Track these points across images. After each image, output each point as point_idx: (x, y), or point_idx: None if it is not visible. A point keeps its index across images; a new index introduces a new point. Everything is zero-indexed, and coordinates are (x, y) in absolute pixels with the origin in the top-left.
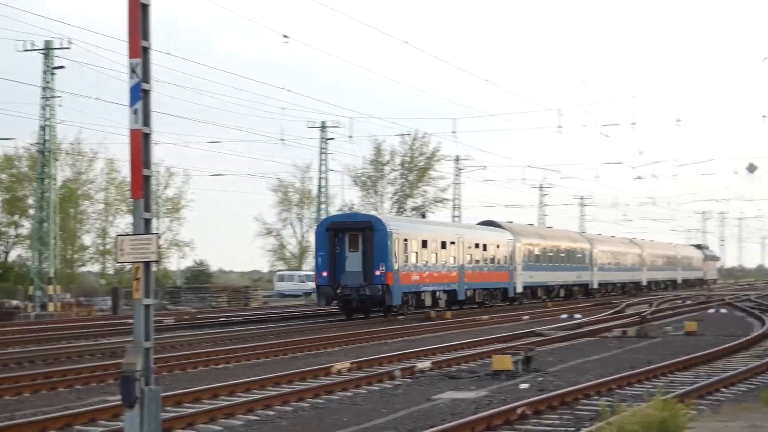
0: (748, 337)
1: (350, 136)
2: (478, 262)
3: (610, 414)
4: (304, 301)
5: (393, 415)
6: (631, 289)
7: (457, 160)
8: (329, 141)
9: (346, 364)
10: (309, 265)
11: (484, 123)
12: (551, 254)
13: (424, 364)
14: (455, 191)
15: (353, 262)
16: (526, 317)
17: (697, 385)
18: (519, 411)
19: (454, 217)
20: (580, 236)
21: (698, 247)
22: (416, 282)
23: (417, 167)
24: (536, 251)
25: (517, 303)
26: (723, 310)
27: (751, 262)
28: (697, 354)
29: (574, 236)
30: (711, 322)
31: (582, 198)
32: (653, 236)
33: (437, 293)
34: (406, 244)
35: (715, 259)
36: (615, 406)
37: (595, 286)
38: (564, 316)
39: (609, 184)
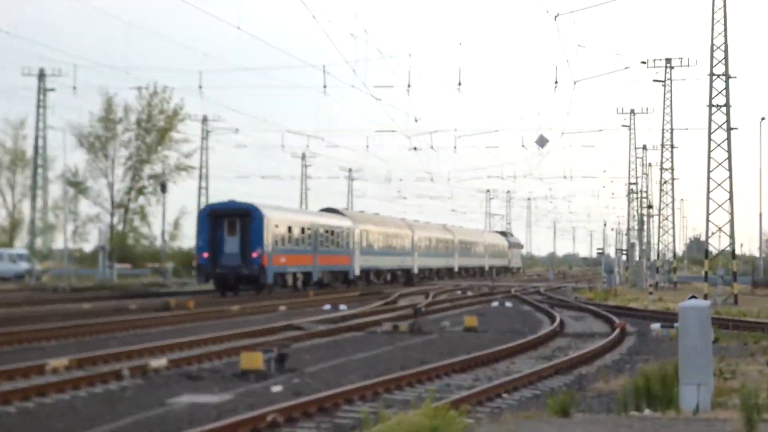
0: (535, 336)
1: (74, 87)
2: (328, 246)
3: (372, 422)
4: (15, 285)
5: (119, 422)
6: (445, 275)
7: (204, 120)
8: (48, 92)
9: (64, 361)
10: (22, 242)
11: (236, 78)
12: (381, 240)
13: (159, 361)
14: (202, 158)
15: (232, 245)
16: (282, 308)
17: (476, 389)
18: (269, 418)
19: (200, 188)
20: (403, 222)
21: (503, 234)
22: (284, 264)
23: (156, 128)
24: (370, 237)
25: (353, 285)
26: (508, 304)
27: (542, 249)
28: (477, 354)
29: (399, 222)
30: (494, 317)
31: (350, 170)
32: (430, 217)
33: (297, 274)
34: (276, 229)
35: (519, 246)
36: (379, 413)
37: (416, 271)
38: (327, 307)
39: (381, 155)
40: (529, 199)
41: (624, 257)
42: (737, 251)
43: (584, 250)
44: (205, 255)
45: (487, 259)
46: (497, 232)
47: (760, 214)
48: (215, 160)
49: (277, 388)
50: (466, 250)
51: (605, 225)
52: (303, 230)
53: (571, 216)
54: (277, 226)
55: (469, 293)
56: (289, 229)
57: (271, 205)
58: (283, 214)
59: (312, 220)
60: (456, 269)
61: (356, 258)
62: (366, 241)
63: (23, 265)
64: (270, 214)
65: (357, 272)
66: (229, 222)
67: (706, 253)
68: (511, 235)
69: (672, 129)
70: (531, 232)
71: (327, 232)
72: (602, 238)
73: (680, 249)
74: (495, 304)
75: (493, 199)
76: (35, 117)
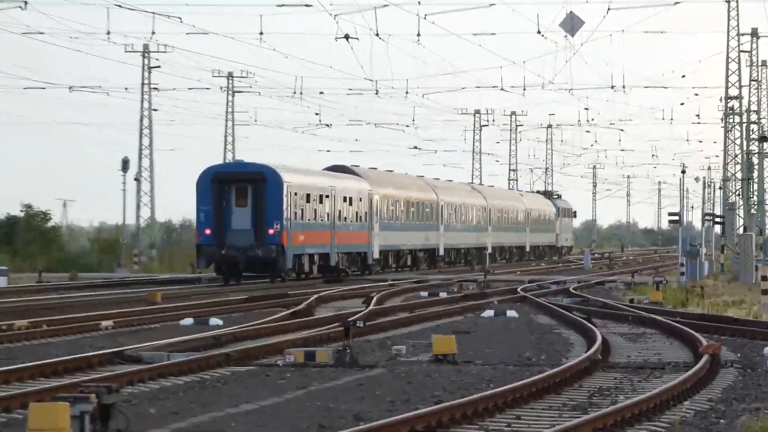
0: (557, 368)
1: None
2: (345, 219)
3: None
4: None
5: None
6: (475, 257)
7: None
8: None
9: None
10: None
11: None
12: (404, 210)
13: None
14: None
15: (241, 218)
16: (107, 324)
17: None
18: None
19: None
20: (424, 182)
21: (546, 195)
22: (302, 243)
23: None
24: (391, 206)
25: (368, 273)
26: (512, 313)
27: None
28: (453, 403)
29: (420, 183)
30: (487, 335)
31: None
32: (371, 160)
33: (314, 257)
34: (296, 198)
35: (571, 213)
36: None
37: (441, 252)
38: (187, 321)
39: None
40: (549, 126)
41: (718, 229)
42: None
43: (647, 217)
44: (207, 232)
45: (529, 234)
46: (539, 192)
47: None
48: None
49: None
50: (501, 222)
51: (683, 173)
52: (321, 198)
53: (622, 156)
54: (296, 193)
55: (443, 295)
56: (307, 197)
57: (287, 165)
58: (302, 177)
59: (331, 184)
60: (489, 249)
61: (375, 235)
62: (386, 212)
63: None
64: (290, 178)
65: (376, 254)
66: (238, 189)
67: None
68: (558, 196)
69: None
70: (552, 184)
71: (345, 200)
72: (679, 195)
73: None
74: (489, 313)
75: (486, 125)
76: None
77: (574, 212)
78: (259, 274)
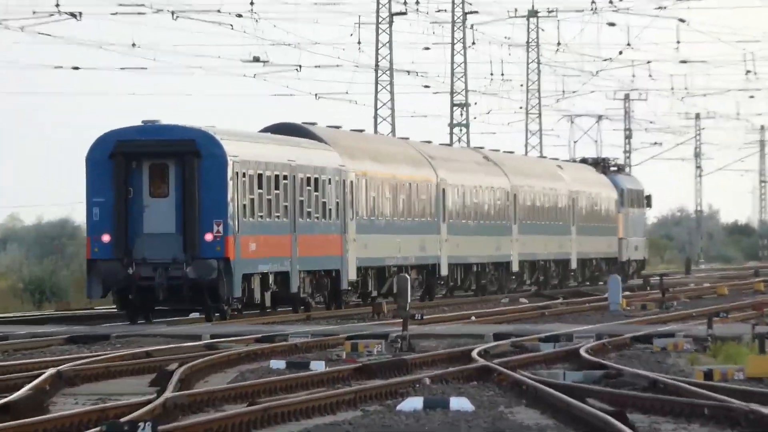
0: None
1: None
2: (310, 216)
3: None
4: None
5: None
6: (498, 278)
7: None
8: None
9: None
10: None
11: None
12: (391, 199)
13: None
14: None
15: (160, 216)
16: None
17: None
18: None
19: None
20: (417, 153)
21: (600, 166)
22: (253, 255)
23: None
24: (374, 191)
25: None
26: (457, 404)
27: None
28: None
29: (411, 152)
30: None
31: None
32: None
33: (269, 278)
34: (244, 181)
35: (642, 200)
36: None
37: (445, 270)
38: None
39: None
40: (558, 45)
41: None
42: None
43: (737, 203)
44: (105, 239)
45: (575, 238)
46: (584, 161)
47: None
48: None
49: None
50: (533, 217)
51: None
52: (277, 182)
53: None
54: (244, 174)
55: (316, 367)
56: (259, 179)
57: (228, 129)
58: (252, 146)
59: (290, 158)
60: (515, 264)
61: (351, 242)
62: (367, 203)
63: None
64: (235, 148)
65: (353, 273)
66: (155, 169)
67: None
68: (618, 168)
69: None
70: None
71: (310, 183)
72: None
73: None
74: (412, 404)
75: (401, 13)
76: None
77: (647, 197)
78: (185, 307)
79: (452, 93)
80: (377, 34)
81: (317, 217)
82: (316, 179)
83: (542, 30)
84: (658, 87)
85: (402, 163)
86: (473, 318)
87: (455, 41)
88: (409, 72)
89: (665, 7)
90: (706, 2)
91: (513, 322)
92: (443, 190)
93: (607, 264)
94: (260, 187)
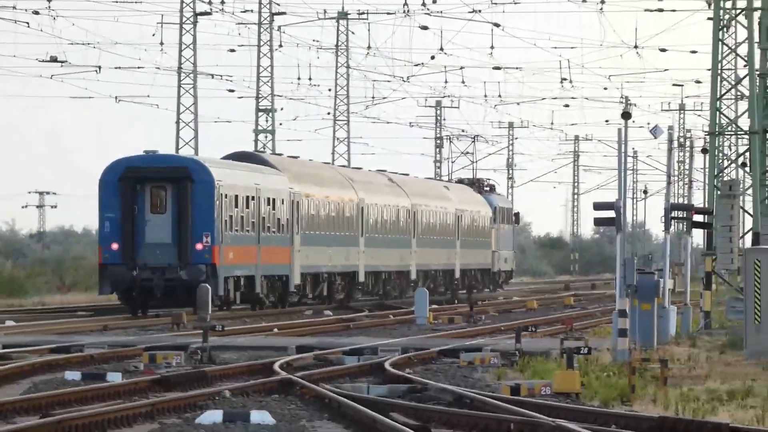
0: None
1: None
2: (269, 230)
3: None
4: None
5: None
6: (400, 284)
7: None
8: None
9: None
10: None
11: None
12: (324, 216)
13: None
14: None
15: (158, 229)
16: None
17: None
18: None
19: None
20: (342, 177)
21: (475, 186)
22: (231, 262)
23: None
24: (313, 211)
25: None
26: (261, 416)
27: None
28: None
29: (338, 176)
30: None
31: None
32: None
33: (241, 280)
34: (226, 201)
35: (511, 217)
36: None
37: (362, 276)
38: None
39: None
40: (369, 49)
41: (699, 238)
42: None
43: (549, 214)
44: (114, 247)
45: (459, 251)
46: (462, 181)
47: None
48: None
49: None
50: (427, 232)
51: (627, 114)
52: (247, 201)
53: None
54: (226, 195)
55: (113, 379)
56: (236, 200)
57: (213, 158)
58: (231, 172)
59: (256, 182)
60: (414, 273)
61: (296, 252)
62: (308, 220)
63: None
64: (220, 174)
65: (297, 278)
66: (155, 190)
67: None
68: (491, 188)
69: None
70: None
71: (269, 203)
72: (618, 163)
73: None
74: (211, 417)
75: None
76: None
77: (516, 214)
78: (174, 302)
79: (258, 98)
80: (180, 35)
81: (273, 231)
82: (273, 200)
83: (352, 33)
84: (471, 94)
85: (333, 185)
86: (275, 330)
87: (262, 43)
88: (213, 75)
89: (479, 11)
90: (521, 6)
91: (317, 334)
92: (362, 209)
93: (482, 274)
94: (236, 206)
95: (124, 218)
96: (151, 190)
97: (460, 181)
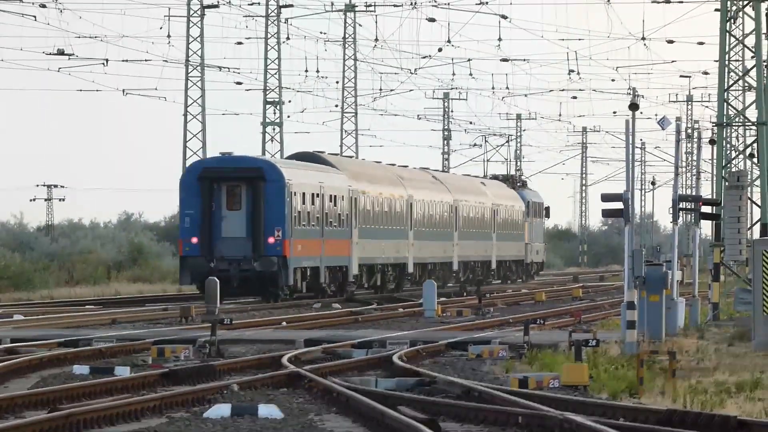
0: None
1: None
2: (331, 224)
3: None
4: None
5: None
6: (443, 275)
7: None
8: None
9: None
10: None
11: None
12: (379, 212)
13: None
14: None
15: (234, 224)
16: None
17: None
18: None
19: None
20: (394, 175)
21: (509, 181)
22: (300, 254)
23: None
24: (369, 206)
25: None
26: (269, 410)
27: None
28: None
29: (390, 175)
30: None
31: None
32: None
33: (307, 271)
34: (296, 199)
35: (542, 211)
36: None
37: (411, 268)
38: None
39: None
40: (376, 42)
41: (707, 229)
42: None
43: (557, 205)
44: (194, 241)
45: (495, 243)
46: (497, 177)
47: None
48: None
49: None
50: (467, 226)
51: (634, 106)
52: (313, 199)
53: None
54: (295, 193)
55: (121, 372)
56: (303, 197)
57: (283, 160)
58: (300, 172)
59: (320, 181)
60: (456, 265)
61: (354, 243)
62: (365, 215)
63: None
64: (290, 174)
65: (355, 269)
66: (230, 189)
67: None
68: (523, 183)
69: None
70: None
71: (332, 200)
72: (626, 155)
73: None
74: (220, 411)
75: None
76: None
77: (547, 208)
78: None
79: (265, 90)
80: (188, 28)
81: (335, 226)
82: (335, 196)
83: (360, 25)
84: (478, 86)
85: (385, 183)
86: (284, 323)
87: (269, 36)
88: (221, 68)
89: (487, 3)
90: None
91: (325, 327)
92: (410, 204)
93: (516, 265)
94: (303, 202)
95: (202, 215)
96: (227, 189)
97: (495, 177)
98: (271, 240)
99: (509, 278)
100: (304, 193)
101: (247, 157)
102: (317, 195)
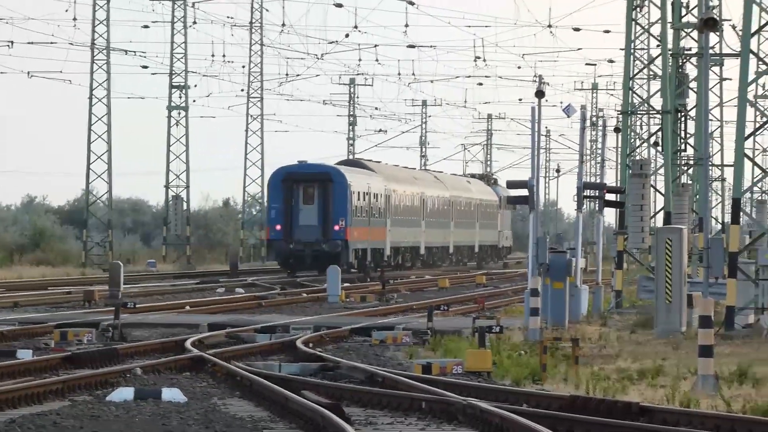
0: None
1: None
2: (375, 215)
3: None
4: None
5: None
6: (441, 257)
7: None
8: None
9: None
10: None
11: None
12: (403, 205)
13: None
14: None
15: (308, 215)
16: None
17: None
18: None
19: None
20: (409, 175)
21: (485, 179)
22: (356, 239)
23: None
24: (398, 201)
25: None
26: (172, 393)
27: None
28: None
29: (408, 176)
30: None
31: None
32: None
33: (367, 251)
34: (355, 196)
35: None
36: None
37: (423, 250)
38: None
39: None
40: (283, 27)
41: (611, 217)
42: None
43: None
44: (278, 228)
45: (478, 231)
46: (474, 175)
47: None
48: None
49: None
50: (459, 217)
51: (539, 94)
52: (364, 196)
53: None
54: (353, 192)
55: (24, 356)
56: (358, 195)
57: (345, 167)
58: (357, 177)
59: (368, 182)
60: (451, 248)
61: (388, 230)
62: (395, 209)
63: None
64: (350, 178)
65: (389, 251)
66: (306, 188)
67: None
68: (494, 181)
69: None
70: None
71: (375, 197)
72: (531, 141)
73: None
74: (122, 394)
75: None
76: None
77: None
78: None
79: (171, 74)
80: (94, 11)
81: (376, 217)
82: (377, 194)
83: (267, 10)
84: (384, 72)
85: (406, 182)
86: (188, 307)
87: (175, 20)
88: (126, 51)
89: None
90: None
91: (229, 312)
92: (423, 200)
93: (490, 249)
94: (359, 199)
95: (285, 208)
96: (304, 188)
97: (473, 176)
98: (336, 227)
99: (485, 260)
100: (359, 192)
101: (320, 164)
102: (366, 193)
